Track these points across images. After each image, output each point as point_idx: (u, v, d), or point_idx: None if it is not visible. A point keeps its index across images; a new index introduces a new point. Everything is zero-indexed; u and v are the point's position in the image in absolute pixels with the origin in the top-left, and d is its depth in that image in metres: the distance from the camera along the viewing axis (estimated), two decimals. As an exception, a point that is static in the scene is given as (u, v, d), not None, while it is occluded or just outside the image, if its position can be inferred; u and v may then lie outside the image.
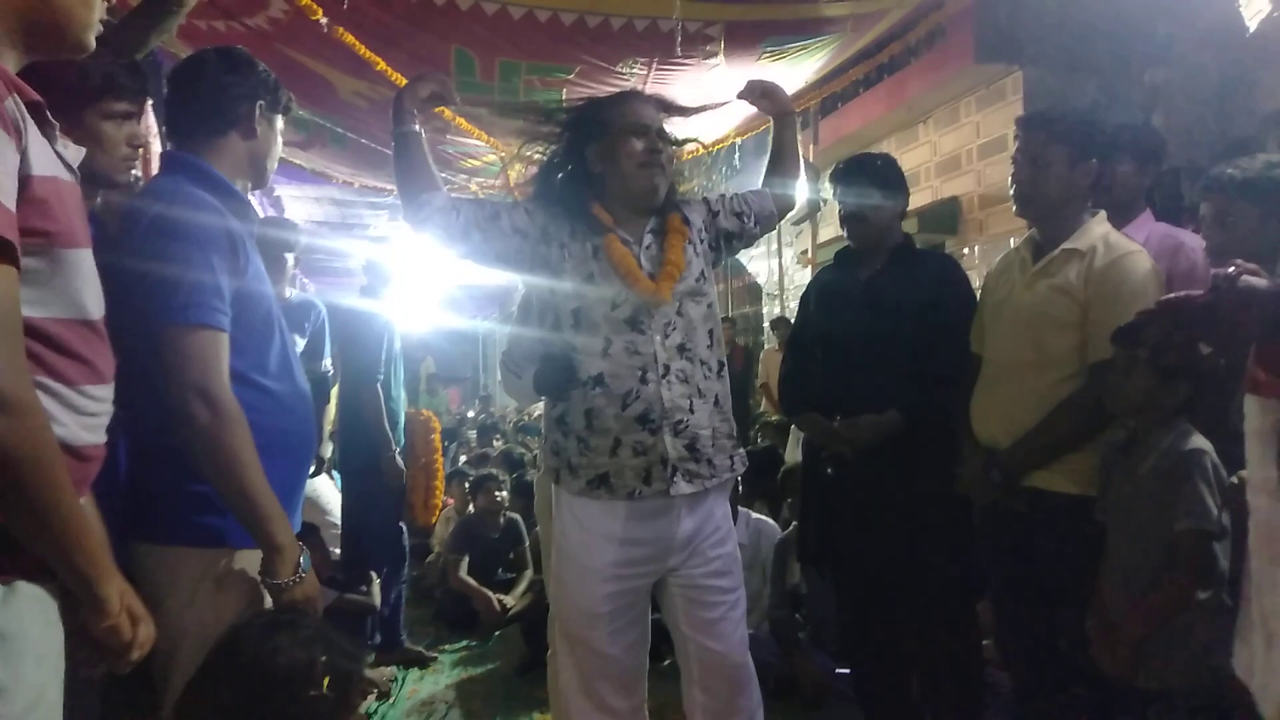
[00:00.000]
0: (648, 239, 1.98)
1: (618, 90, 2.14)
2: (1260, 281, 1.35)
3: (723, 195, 2.20)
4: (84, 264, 1.16)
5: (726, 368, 2.08)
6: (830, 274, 2.74)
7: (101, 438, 1.22)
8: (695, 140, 2.34)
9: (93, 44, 1.17)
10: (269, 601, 1.64)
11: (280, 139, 1.81)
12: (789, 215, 2.74)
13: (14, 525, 1.04)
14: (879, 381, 2.39)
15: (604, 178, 1.98)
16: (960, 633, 2.43)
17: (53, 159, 1.12)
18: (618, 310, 1.91)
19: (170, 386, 1.49)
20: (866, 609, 2.54)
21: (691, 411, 1.94)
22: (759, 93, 2.32)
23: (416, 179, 1.93)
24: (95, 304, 1.19)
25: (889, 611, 2.48)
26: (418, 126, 1.95)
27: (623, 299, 1.91)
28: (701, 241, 2.06)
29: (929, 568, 2.36)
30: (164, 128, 1.75)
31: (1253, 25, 3.15)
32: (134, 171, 1.71)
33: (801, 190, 2.42)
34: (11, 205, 1.00)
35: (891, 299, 2.45)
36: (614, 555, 1.93)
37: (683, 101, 2.15)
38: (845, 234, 2.65)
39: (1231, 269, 1.33)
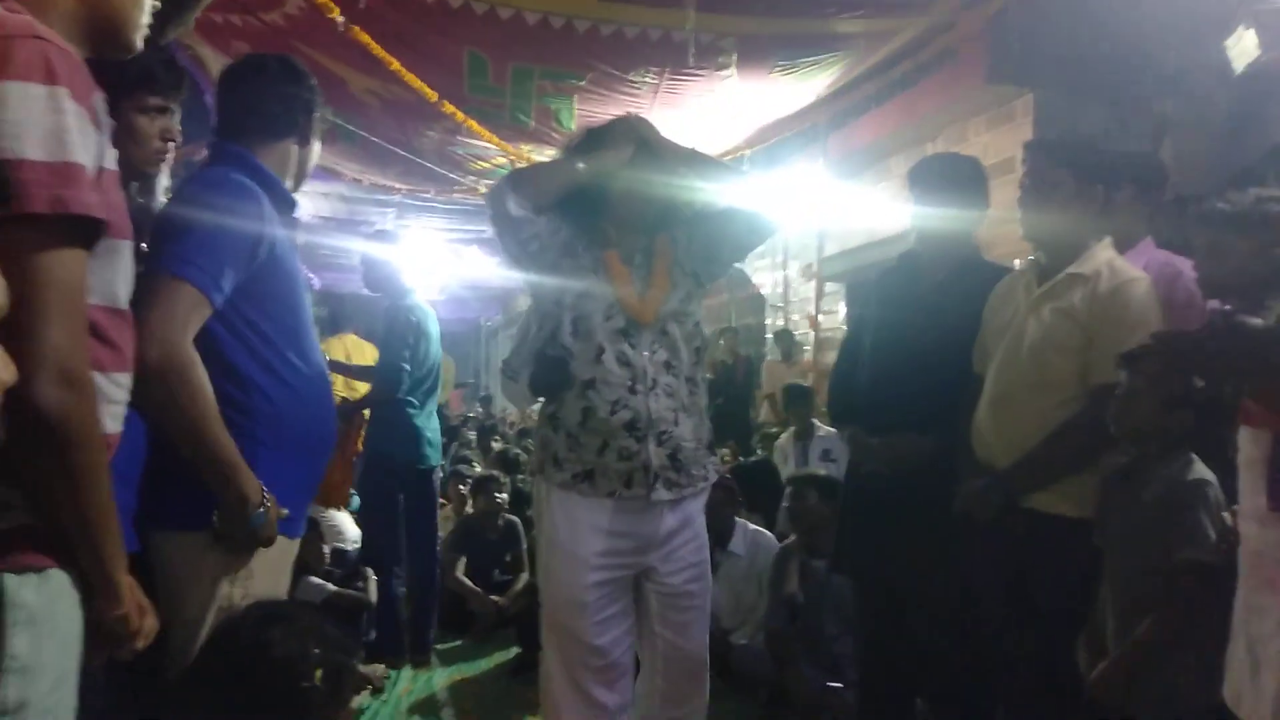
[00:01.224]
0: (639, 258, 2.12)
1: (615, 117, 2.22)
2: (1254, 321, 1.38)
3: (702, 217, 2.21)
4: (125, 254, 1.20)
5: (706, 383, 2.21)
6: (893, 278, 2.62)
7: (120, 426, 1.24)
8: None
9: (140, 44, 1.22)
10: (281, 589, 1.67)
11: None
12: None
13: (56, 505, 1.07)
14: (923, 398, 2.34)
15: (603, 198, 2.10)
16: (976, 654, 2.36)
17: (113, 152, 1.16)
18: (611, 321, 2.05)
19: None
20: (890, 622, 2.49)
21: (676, 424, 2.06)
22: None
23: (546, 186, 2.04)
24: (126, 293, 1.23)
25: (912, 627, 2.44)
26: (582, 165, 2.06)
27: (616, 310, 2.05)
28: (688, 261, 2.18)
29: (956, 585, 2.31)
30: (210, 123, 1.82)
31: (1239, 66, 3.17)
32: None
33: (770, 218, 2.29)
34: (94, 193, 1.05)
35: (948, 313, 2.38)
36: (601, 545, 2.04)
37: (675, 136, 2.21)
38: (914, 238, 2.55)
39: (1227, 308, 1.36)
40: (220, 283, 1.59)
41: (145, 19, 1.21)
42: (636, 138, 2.10)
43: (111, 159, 1.13)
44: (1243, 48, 3.16)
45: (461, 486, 5.42)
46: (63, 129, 1.01)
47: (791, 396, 5.86)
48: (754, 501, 4.46)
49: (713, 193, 2.20)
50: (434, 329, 4.06)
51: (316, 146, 1.88)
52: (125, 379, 1.23)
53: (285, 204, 1.78)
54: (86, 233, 1.05)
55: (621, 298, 2.05)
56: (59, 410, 1.01)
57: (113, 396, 1.19)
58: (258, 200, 1.66)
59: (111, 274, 1.17)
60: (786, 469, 5.28)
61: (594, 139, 2.14)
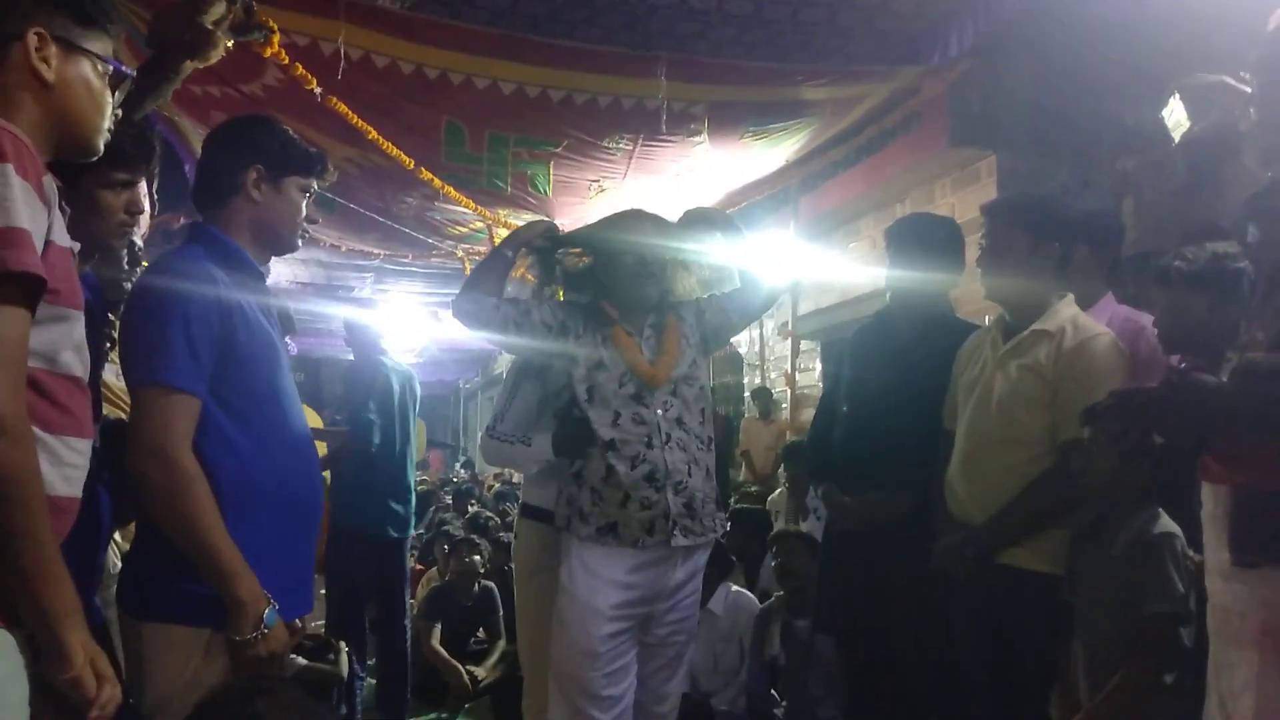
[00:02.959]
0: (648, 332, 2.33)
1: (616, 214, 2.42)
2: (1207, 378, 1.41)
3: (711, 296, 2.47)
4: (76, 325, 1.22)
5: (714, 443, 2.37)
6: (866, 336, 2.67)
7: (77, 491, 1.24)
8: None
9: (101, 147, 1.29)
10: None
11: (299, 204, 1.78)
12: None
13: None
14: (895, 455, 2.37)
15: (609, 283, 2.33)
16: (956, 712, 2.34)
17: (66, 234, 1.20)
18: (624, 387, 2.24)
19: (130, 444, 1.54)
20: (873, 681, 2.49)
21: (689, 475, 2.24)
22: None
23: (486, 283, 2.32)
24: (80, 364, 1.24)
25: (893, 685, 2.42)
26: (513, 256, 2.37)
27: (629, 378, 2.24)
28: (694, 333, 2.39)
29: (934, 642, 2.31)
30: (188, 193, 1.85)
31: (1175, 136, 3.28)
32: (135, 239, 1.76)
33: (778, 283, 2.62)
34: (37, 254, 1.08)
35: (918, 370, 2.42)
36: (617, 598, 2.19)
37: (673, 215, 2.44)
38: (888, 296, 2.60)
39: (1183, 365, 1.39)
40: (200, 373, 1.58)
41: (107, 124, 1.28)
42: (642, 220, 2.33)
43: (62, 235, 1.16)
44: (1175, 119, 3.28)
45: (447, 548, 5.33)
46: (5, 198, 1.05)
47: (789, 454, 5.81)
48: (743, 549, 4.41)
49: (725, 267, 2.42)
50: (399, 388, 4.02)
51: (280, 204, 1.74)
52: (81, 444, 1.23)
53: (245, 270, 1.72)
54: (27, 292, 1.07)
55: (633, 364, 2.24)
56: None
57: (65, 459, 1.19)
58: (208, 275, 1.62)
59: (57, 339, 1.18)
60: (777, 525, 5.21)
61: (595, 229, 2.36)
